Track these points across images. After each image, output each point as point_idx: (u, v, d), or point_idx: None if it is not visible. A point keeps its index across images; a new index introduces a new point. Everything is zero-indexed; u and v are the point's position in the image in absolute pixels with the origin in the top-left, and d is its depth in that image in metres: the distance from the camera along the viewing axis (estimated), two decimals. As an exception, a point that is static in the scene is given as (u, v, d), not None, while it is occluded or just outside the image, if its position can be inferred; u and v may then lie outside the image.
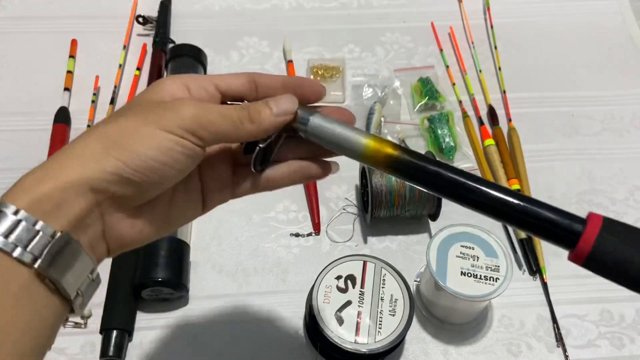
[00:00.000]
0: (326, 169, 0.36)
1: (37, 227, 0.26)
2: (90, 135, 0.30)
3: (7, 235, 0.26)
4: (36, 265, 0.26)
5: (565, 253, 0.63)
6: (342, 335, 0.48)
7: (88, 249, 0.29)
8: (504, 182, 0.63)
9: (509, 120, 0.69)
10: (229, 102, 0.34)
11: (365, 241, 0.60)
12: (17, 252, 0.26)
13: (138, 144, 0.29)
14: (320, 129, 0.33)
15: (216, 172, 0.35)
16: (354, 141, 0.33)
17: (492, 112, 0.69)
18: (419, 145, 0.67)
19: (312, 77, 0.72)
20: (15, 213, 0.26)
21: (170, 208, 0.34)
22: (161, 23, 0.75)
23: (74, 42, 0.73)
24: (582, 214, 0.66)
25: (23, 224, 0.26)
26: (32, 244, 0.26)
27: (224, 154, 0.36)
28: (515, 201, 0.30)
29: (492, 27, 0.77)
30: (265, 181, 0.36)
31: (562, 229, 0.29)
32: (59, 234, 0.27)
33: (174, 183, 0.31)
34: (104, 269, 0.56)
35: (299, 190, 0.63)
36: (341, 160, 0.69)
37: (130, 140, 0.29)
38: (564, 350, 0.53)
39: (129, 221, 0.31)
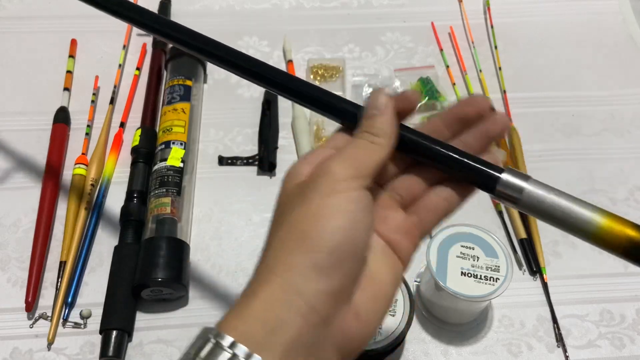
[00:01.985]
0: (465, 193, 0.32)
1: None
2: (274, 239, 0.28)
3: None
4: None
5: (565, 254, 0.63)
6: (342, 335, 0.47)
7: None
8: (504, 182, 0.63)
9: (509, 120, 0.69)
10: None
11: (365, 241, 0.60)
12: None
13: (318, 221, 0.27)
14: (541, 200, 0.28)
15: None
16: (585, 219, 0.27)
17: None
18: (419, 145, 0.67)
19: (311, 77, 0.72)
20: (231, 346, 0.25)
21: (371, 277, 0.29)
22: (161, 23, 0.75)
23: (73, 42, 0.73)
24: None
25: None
26: None
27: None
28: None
29: (492, 26, 0.77)
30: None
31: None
32: None
33: (365, 242, 0.28)
34: (104, 268, 0.56)
35: (298, 190, 0.63)
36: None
37: (310, 223, 0.27)
38: (564, 351, 0.53)
39: (350, 314, 0.28)
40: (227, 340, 0.25)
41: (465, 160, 0.30)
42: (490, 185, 0.30)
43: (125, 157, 0.63)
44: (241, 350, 0.24)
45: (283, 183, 0.32)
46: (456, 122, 0.32)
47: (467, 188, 0.32)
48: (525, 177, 0.29)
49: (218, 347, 0.25)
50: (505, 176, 0.29)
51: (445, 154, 0.30)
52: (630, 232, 0.27)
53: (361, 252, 0.28)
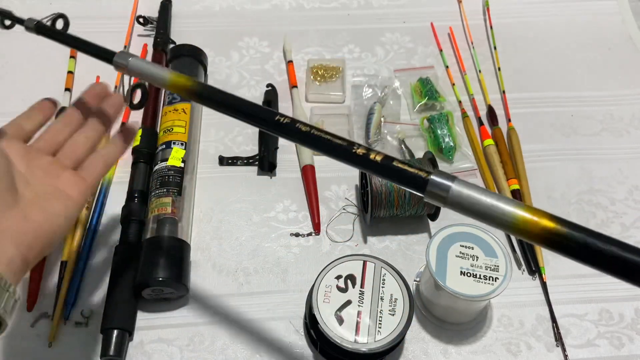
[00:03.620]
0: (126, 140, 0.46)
1: None
2: None
3: None
4: None
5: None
6: (342, 335, 0.48)
7: None
8: (503, 182, 0.63)
9: (509, 120, 0.69)
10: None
11: (365, 241, 0.60)
12: None
13: None
14: (465, 198, 0.31)
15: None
16: (505, 212, 0.30)
17: (491, 112, 0.69)
18: (419, 145, 0.67)
19: (312, 77, 0.72)
20: None
21: (37, 198, 0.39)
22: (161, 23, 0.75)
23: (74, 43, 0.73)
24: (582, 214, 0.66)
25: None
26: None
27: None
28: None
29: (491, 27, 0.77)
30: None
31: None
32: None
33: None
34: (105, 268, 0.56)
35: (299, 190, 0.63)
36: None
37: None
38: (563, 350, 0.54)
39: (17, 217, 0.37)
40: None
41: (400, 166, 0.33)
42: (421, 186, 0.32)
43: (126, 157, 0.63)
44: None
45: None
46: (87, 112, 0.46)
47: (124, 142, 0.46)
48: (452, 178, 0.32)
49: None
50: (433, 178, 0.32)
51: (385, 164, 0.34)
52: (547, 223, 0.29)
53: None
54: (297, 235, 0.60)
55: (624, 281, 0.28)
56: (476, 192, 0.31)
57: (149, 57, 0.73)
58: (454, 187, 0.31)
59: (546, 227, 0.29)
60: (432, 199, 0.32)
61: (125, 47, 0.73)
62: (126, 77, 0.44)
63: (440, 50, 0.76)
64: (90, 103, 0.46)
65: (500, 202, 0.30)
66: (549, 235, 0.29)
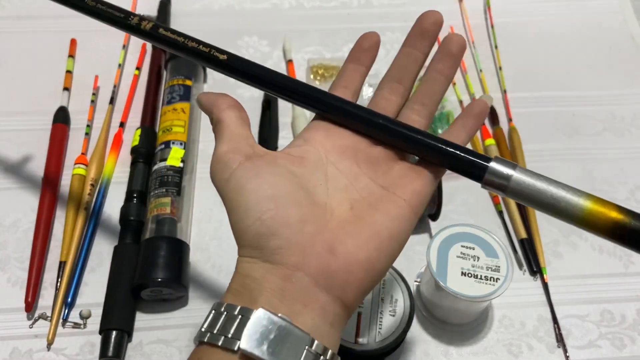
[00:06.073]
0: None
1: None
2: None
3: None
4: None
5: (565, 254, 0.63)
6: (342, 335, 0.47)
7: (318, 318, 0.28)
8: (504, 182, 0.63)
9: (510, 120, 0.69)
10: None
11: (365, 241, 0.60)
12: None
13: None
14: (528, 187, 0.29)
15: None
16: (572, 204, 0.29)
17: (492, 112, 0.69)
18: (419, 145, 0.67)
19: (311, 77, 0.72)
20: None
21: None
22: (160, 22, 0.75)
23: (73, 42, 0.73)
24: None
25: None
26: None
27: None
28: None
29: (492, 26, 0.77)
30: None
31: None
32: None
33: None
34: (104, 268, 0.56)
35: (298, 190, 0.63)
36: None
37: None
38: (565, 351, 0.53)
39: (323, 250, 0.30)
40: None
41: (454, 151, 0.31)
42: (478, 174, 0.31)
43: (125, 157, 0.63)
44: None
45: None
46: (420, 39, 0.38)
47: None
48: (513, 165, 0.30)
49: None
50: (493, 165, 0.30)
51: (435, 146, 0.32)
52: (615, 215, 0.28)
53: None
54: (297, 235, 0.60)
55: None
56: (539, 181, 0.29)
57: (148, 57, 0.72)
58: (516, 175, 0.29)
59: (613, 219, 0.28)
60: (490, 187, 0.31)
61: (124, 45, 0.73)
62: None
63: (441, 50, 0.76)
64: (419, 36, 0.37)
65: (568, 193, 0.29)
66: (616, 228, 0.28)
